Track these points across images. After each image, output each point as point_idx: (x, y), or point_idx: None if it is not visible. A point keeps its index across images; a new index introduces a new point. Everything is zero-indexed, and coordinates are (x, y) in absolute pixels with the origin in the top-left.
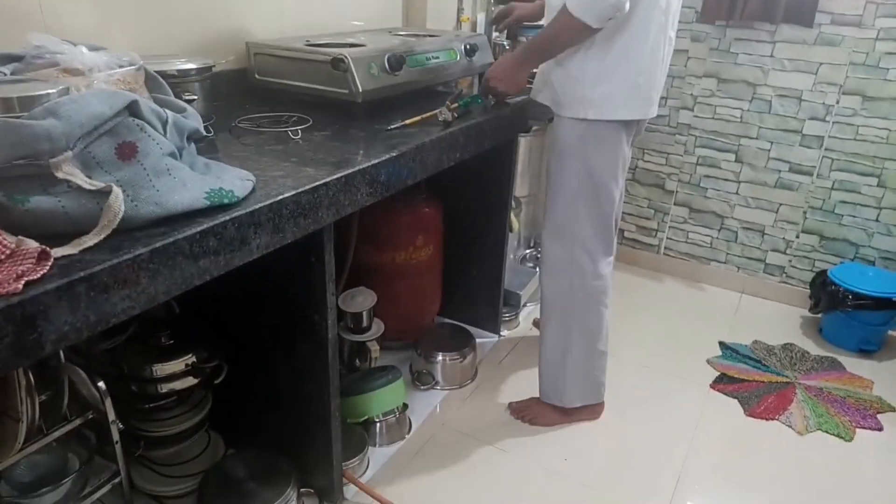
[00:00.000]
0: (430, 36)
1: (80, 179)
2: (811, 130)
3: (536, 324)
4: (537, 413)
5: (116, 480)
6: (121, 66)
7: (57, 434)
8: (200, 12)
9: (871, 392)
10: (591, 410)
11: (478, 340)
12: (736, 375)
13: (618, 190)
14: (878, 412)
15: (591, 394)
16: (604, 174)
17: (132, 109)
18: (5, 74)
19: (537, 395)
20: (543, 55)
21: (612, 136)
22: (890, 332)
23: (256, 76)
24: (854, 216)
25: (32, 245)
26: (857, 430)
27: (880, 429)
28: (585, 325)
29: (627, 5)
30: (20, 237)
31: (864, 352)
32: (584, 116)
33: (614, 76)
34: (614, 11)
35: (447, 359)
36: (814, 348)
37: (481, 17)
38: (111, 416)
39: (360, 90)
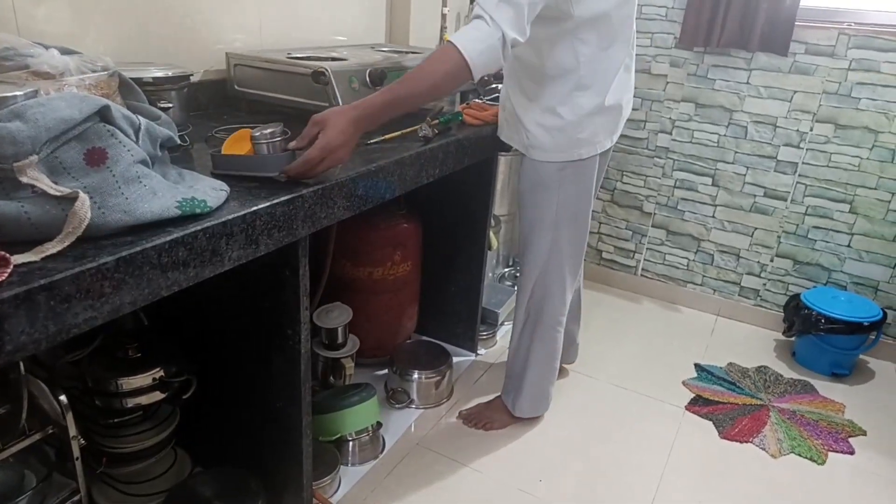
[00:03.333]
0: (413, 52)
1: (45, 185)
2: (786, 157)
3: None
4: (489, 418)
5: (76, 499)
6: (94, 71)
7: (14, 449)
8: (180, 21)
9: (843, 416)
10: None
11: (454, 359)
12: (711, 397)
13: (590, 214)
14: (850, 436)
15: (540, 406)
16: (581, 202)
17: (103, 115)
18: None
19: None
20: (404, 108)
21: (590, 165)
22: (861, 357)
23: (236, 87)
24: (827, 241)
25: None
26: (829, 453)
27: (852, 452)
28: (547, 347)
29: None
30: None
31: (837, 375)
32: (578, 157)
33: (603, 111)
34: (497, 67)
35: (423, 377)
36: (787, 371)
37: None
38: (72, 431)
39: (341, 104)
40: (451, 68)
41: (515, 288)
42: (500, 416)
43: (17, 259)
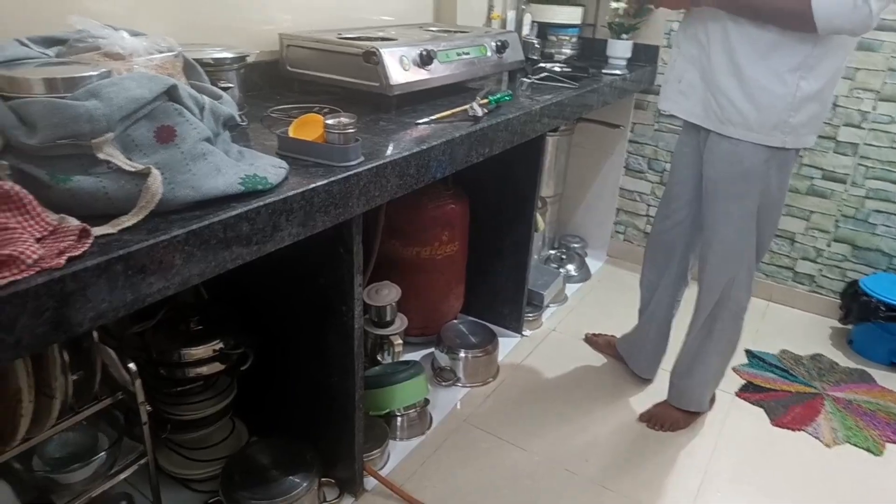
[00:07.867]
0: (461, 32)
1: (121, 161)
2: (846, 137)
3: (589, 340)
4: (668, 419)
5: (143, 461)
6: (160, 52)
7: (88, 412)
8: (234, 3)
9: None
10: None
11: (500, 339)
12: (762, 384)
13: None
14: None
15: (709, 397)
16: (779, 197)
17: (171, 94)
18: (50, 56)
19: (658, 400)
20: (739, 7)
21: (792, 159)
22: None
23: (289, 68)
24: (888, 226)
25: (74, 223)
26: (888, 444)
27: None
28: (731, 336)
29: (873, 24)
30: (62, 215)
31: None
32: (781, 145)
33: (818, 100)
34: (861, 30)
35: (469, 356)
36: (843, 360)
37: (511, 15)
38: (140, 397)
39: (392, 83)
40: (790, 9)
41: (561, 271)
42: (678, 416)
43: (97, 231)
